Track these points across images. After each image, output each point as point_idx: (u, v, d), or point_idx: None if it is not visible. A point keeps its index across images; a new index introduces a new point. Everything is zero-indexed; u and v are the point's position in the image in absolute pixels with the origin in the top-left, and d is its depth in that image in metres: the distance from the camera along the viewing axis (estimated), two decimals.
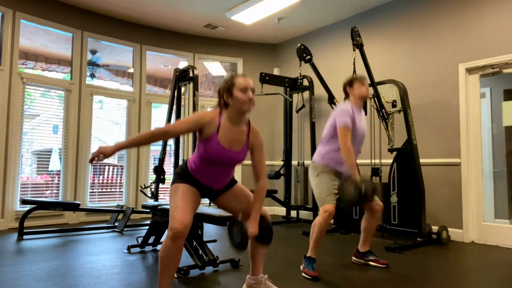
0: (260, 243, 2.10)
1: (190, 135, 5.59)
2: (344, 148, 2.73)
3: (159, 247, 3.65)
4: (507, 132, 4.60)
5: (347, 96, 3.01)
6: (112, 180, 5.90)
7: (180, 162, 5.20)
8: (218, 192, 2.21)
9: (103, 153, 1.83)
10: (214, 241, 3.69)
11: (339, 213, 4.63)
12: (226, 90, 2.04)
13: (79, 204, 4.52)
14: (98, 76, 6.20)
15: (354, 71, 4.07)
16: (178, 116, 5.12)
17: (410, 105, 4.22)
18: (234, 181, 2.25)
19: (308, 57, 4.56)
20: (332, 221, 4.78)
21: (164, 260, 1.96)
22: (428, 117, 4.48)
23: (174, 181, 2.11)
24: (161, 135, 1.99)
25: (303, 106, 5.21)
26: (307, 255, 2.81)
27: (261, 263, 2.24)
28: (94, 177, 5.66)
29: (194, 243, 3.00)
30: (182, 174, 2.11)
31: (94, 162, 1.85)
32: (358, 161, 3.03)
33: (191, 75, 4.86)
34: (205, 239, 3.17)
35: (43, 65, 5.69)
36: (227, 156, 2.03)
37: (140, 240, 3.62)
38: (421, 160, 4.25)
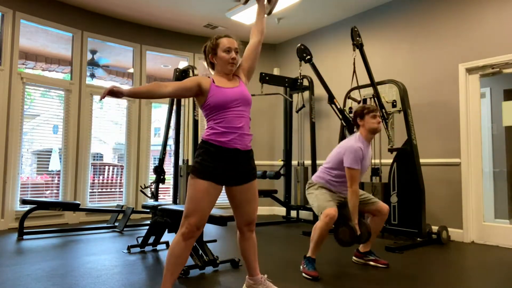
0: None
1: (190, 136, 5.59)
2: (351, 191, 2.78)
3: (159, 247, 3.65)
4: (507, 132, 4.59)
5: (357, 127, 2.99)
6: (112, 180, 5.90)
7: (180, 163, 5.21)
8: (239, 172, 2.07)
9: (120, 92, 1.83)
10: (214, 241, 3.69)
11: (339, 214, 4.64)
12: (211, 50, 2.12)
13: (79, 204, 4.52)
14: (98, 76, 6.20)
15: (354, 71, 4.07)
16: (178, 116, 5.12)
17: (410, 105, 4.22)
18: (254, 174, 2.15)
19: (308, 57, 4.54)
20: None
21: (172, 257, 1.96)
22: (428, 117, 4.48)
23: (194, 173, 1.99)
24: (162, 86, 1.96)
25: (303, 106, 5.21)
26: (307, 255, 2.81)
27: (255, 264, 2.23)
28: (94, 177, 5.66)
29: (194, 243, 2.99)
30: (203, 161, 1.99)
31: (105, 96, 1.83)
32: None
33: (191, 75, 4.86)
34: (205, 239, 3.17)
35: (43, 65, 5.69)
36: (231, 92, 2.04)
37: (140, 240, 3.62)
38: (421, 160, 4.25)
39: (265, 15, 2.32)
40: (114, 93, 1.83)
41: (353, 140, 2.89)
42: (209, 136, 2.02)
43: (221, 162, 2.00)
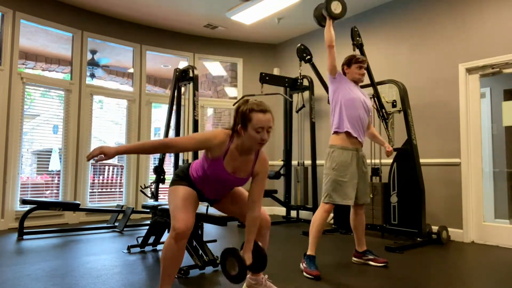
0: (254, 272, 2.12)
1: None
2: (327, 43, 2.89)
3: (159, 247, 3.65)
4: (507, 132, 4.59)
5: (344, 74, 3.07)
6: (112, 180, 5.90)
7: (180, 163, 5.20)
8: (215, 200, 2.25)
9: (105, 154, 1.73)
10: (214, 241, 3.69)
11: (340, 213, 4.64)
12: (241, 121, 1.92)
13: (79, 204, 4.52)
14: (98, 76, 6.20)
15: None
16: (178, 116, 5.12)
17: (410, 105, 4.22)
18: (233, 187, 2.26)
19: (308, 57, 4.56)
20: (332, 221, 4.79)
21: (166, 260, 1.96)
22: (428, 117, 4.48)
23: (173, 183, 2.11)
24: (166, 148, 1.92)
25: (303, 106, 5.21)
26: (307, 253, 2.82)
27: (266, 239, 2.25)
28: (94, 177, 5.66)
29: (194, 243, 3.00)
30: (183, 177, 2.11)
31: (92, 161, 1.84)
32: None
33: (191, 75, 4.85)
34: (205, 239, 3.17)
35: (43, 65, 5.69)
36: (230, 180, 2.04)
37: (140, 240, 3.62)
38: (421, 160, 4.25)
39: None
40: (104, 154, 1.74)
41: None
42: (193, 173, 2.10)
43: (197, 191, 2.12)
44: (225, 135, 1.96)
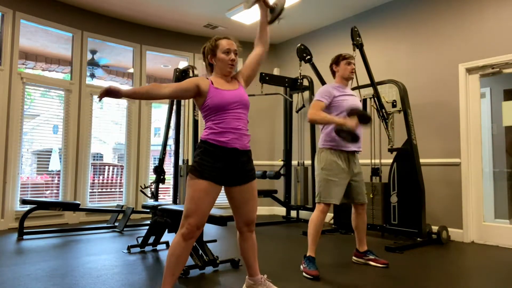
0: (271, 18, 2.30)
1: (190, 136, 5.59)
2: (310, 117, 2.82)
3: (159, 247, 3.65)
4: (507, 132, 4.59)
5: (333, 74, 3.09)
6: (112, 180, 5.90)
7: (180, 163, 5.20)
8: (238, 172, 2.07)
9: (118, 91, 1.84)
10: (214, 241, 3.69)
11: (339, 213, 4.64)
12: (210, 51, 2.13)
13: (79, 204, 4.52)
14: (98, 76, 6.20)
15: (354, 71, 4.06)
16: (178, 116, 5.12)
17: (410, 105, 4.22)
18: (253, 174, 2.15)
19: (308, 57, 4.56)
20: (332, 221, 4.79)
21: (172, 258, 1.95)
22: (428, 117, 4.48)
23: (193, 173, 1.99)
24: (161, 87, 1.97)
25: (303, 106, 5.21)
26: (307, 254, 2.82)
27: (255, 264, 2.22)
28: (94, 177, 5.66)
29: (194, 243, 2.99)
30: (202, 160, 1.99)
31: (103, 97, 1.85)
32: (360, 161, 3.05)
33: (191, 75, 4.85)
34: (205, 239, 3.17)
35: (43, 65, 5.69)
36: (230, 95, 2.06)
37: (140, 240, 3.62)
38: (421, 160, 4.25)
39: (268, 25, 2.32)
40: (112, 93, 1.85)
41: (322, 87, 3.01)
42: (208, 135, 2.03)
43: (220, 162, 2.01)
44: (202, 76, 2.14)
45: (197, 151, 2.06)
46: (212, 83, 2.07)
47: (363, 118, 2.70)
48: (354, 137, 2.64)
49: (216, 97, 2.03)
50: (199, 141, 2.11)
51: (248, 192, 2.13)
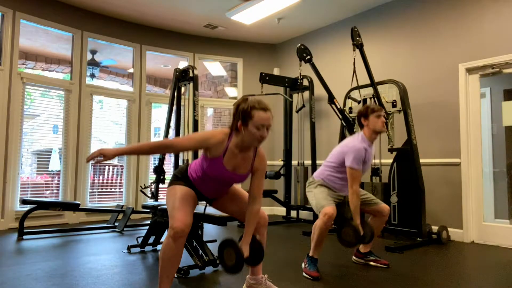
0: (251, 265, 2.11)
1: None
2: (352, 191, 2.76)
3: (159, 247, 3.65)
4: (507, 132, 4.59)
5: (361, 127, 2.95)
6: (112, 180, 5.90)
7: (180, 163, 5.20)
8: (214, 199, 2.27)
9: (104, 155, 1.78)
10: (214, 241, 3.69)
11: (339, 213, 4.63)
12: (241, 117, 1.94)
13: (79, 204, 4.52)
14: (98, 76, 6.20)
15: (354, 71, 4.07)
16: (178, 116, 5.12)
17: (410, 105, 4.22)
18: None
19: (308, 57, 4.54)
20: (332, 221, 4.78)
21: (164, 260, 1.96)
22: (428, 117, 4.48)
23: (172, 183, 2.13)
24: (165, 148, 1.97)
25: (303, 106, 5.21)
26: (310, 254, 2.80)
27: (260, 263, 2.24)
28: (94, 177, 5.66)
29: (194, 243, 3.00)
30: (181, 178, 2.13)
31: (92, 162, 1.83)
32: None
33: (191, 75, 4.86)
34: (205, 239, 3.17)
35: (43, 65, 5.69)
36: (229, 177, 2.05)
37: (140, 240, 3.62)
38: (421, 160, 4.25)
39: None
40: (104, 155, 1.79)
41: (357, 140, 2.86)
42: (191, 173, 2.12)
43: (195, 190, 2.14)
44: (224, 134, 1.98)
45: (177, 173, 2.17)
46: (225, 154, 1.97)
47: (365, 238, 2.81)
48: (348, 243, 2.74)
49: (216, 169, 2.01)
50: (184, 161, 2.21)
51: (230, 196, 2.25)
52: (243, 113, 1.93)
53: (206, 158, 2.01)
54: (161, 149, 1.95)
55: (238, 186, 2.30)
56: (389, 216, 4.12)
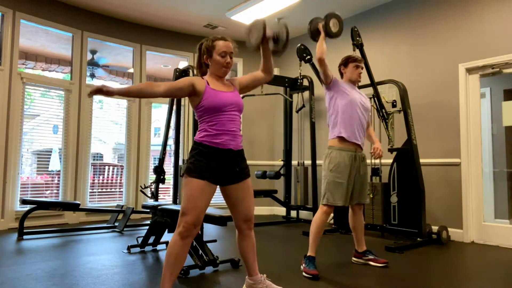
0: (276, 48, 2.13)
1: (190, 136, 5.59)
2: (318, 56, 2.87)
3: (159, 247, 3.65)
4: (507, 132, 4.59)
5: (341, 75, 3.10)
6: (112, 180, 5.90)
7: (180, 163, 5.20)
8: (232, 172, 2.09)
9: (108, 92, 1.85)
10: (214, 241, 3.69)
11: (339, 213, 4.64)
12: (206, 51, 2.14)
13: (79, 204, 4.52)
14: (98, 76, 6.20)
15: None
16: (178, 116, 5.12)
17: (410, 105, 4.22)
18: (247, 172, 2.17)
19: (308, 57, 4.54)
20: (332, 221, 4.79)
21: (170, 257, 1.96)
22: (428, 117, 4.48)
23: (188, 173, 2.02)
24: (153, 86, 1.96)
25: (303, 106, 5.21)
26: (307, 254, 2.82)
27: (255, 263, 2.23)
28: (94, 177, 5.66)
29: (194, 243, 3.00)
30: (197, 161, 2.01)
31: (94, 94, 1.85)
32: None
33: (191, 75, 4.85)
34: (205, 239, 3.17)
35: (43, 65, 5.69)
36: (226, 97, 2.07)
37: (140, 240, 3.62)
38: (421, 160, 4.25)
39: (273, 56, 2.25)
40: (103, 92, 1.85)
41: None
42: (203, 138, 2.05)
43: (215, 162, 2.04)
44: (197, 76, 2.14)
45: (191, 152, 2.09)
46: (208, 84, 2.08)
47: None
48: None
49: (212, 98, 2.04)
50: (193, 142, 2.14)
51: (243, 190, 2.15)
52: (206, 47, 2.14)
53: (199, 102, 2.04)
54: (151, 87, 1.95)
55: (251, 187, 2.20)
56: (389, 216, 4.14)
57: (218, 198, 2.46)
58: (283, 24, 2.15)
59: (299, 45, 4.42)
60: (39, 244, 3.77)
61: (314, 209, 5.09)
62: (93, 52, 5.97)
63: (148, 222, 4.81)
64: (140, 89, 1.94)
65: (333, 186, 2.85)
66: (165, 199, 6.02)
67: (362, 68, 3.07)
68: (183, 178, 2.07)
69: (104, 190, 5.74)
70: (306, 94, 5.56)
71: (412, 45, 4.73)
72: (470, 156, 4.14)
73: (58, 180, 5.24)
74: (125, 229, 4.67)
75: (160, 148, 4.97)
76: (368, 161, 4.58)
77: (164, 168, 4.90)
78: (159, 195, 4.99)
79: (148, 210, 4.30)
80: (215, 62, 2.11)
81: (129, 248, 3.53)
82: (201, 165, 2.01)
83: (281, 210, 6.13)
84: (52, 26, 5.14)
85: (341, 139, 2.91)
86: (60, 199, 5.18)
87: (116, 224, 4.79)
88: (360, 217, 3.05)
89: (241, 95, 2.22)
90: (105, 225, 4.85)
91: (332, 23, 2.85)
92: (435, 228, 4.05)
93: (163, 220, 3.28)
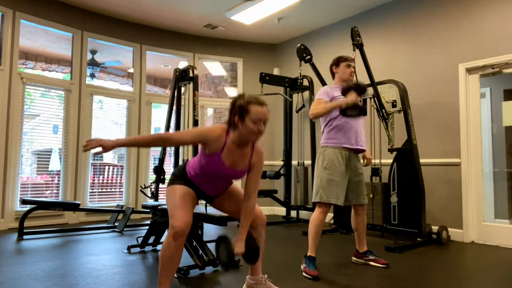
0: (246, 262, 2.07)
1: None
2: (312, 112, 2.83)
3: (159, 247, 3.65)
4: (507, 132, 4.60)
5: (333, 76, 3.10)
6: (112, 180, 5.90)
7: (180, 162, 5.20)
8: (213, 197, 2.26)
9: (103, 146, 1.78)
10: (214, 241, 3.68)
11: (340, 213, 4.64)
12: (238, 113, 1.95)
13: (79, 204, 4.52)
14: (98, 76, 6.20)
15: (354, 71, 4.06)
16: (178, 116, 5.12)
17: (410, 105, 4.22)
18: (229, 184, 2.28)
19: (308, 57, 4.56)
20: (332, 221, 4.79)
21: (165, 259, 1.97)
22: (428, 117, 4.48)
23: (171, 182, 2.13)
24: (162, 141, 2.02)
25: (303, 106, 5.21)
26: (307, 254, 2.82)
27: (259, 263, 2.24)
28: (94, 177, 5.66)
29: (194, 243, 3.00)
30: (179, 177, 2.13)
31: (93, 151, 1.79)
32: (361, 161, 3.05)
33: (191, 75, 4.85)
34: (205, 239, 3.17)
35: (43, 65, 5.69)
36: (228, 173, 2.06)
37: (140, 240, 3.62)
38: (421, 160, 4.24)
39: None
40: (103, 147, 1.78)
41: (326, 86, 3.03)
42: (190, 171, 2.11)
43: (194, 189, 2.13)
44: (222, 130, 2.00)
45: (176, 172, 2.17)
46: (223, 149, 1.98)
47: (359, 88, 2.73)
48: (360, 110, 2.70)
49: (215, 165, 2.01)
50: (184, 161, 2.20)
51: (230, 195, 2.24)
52: (240, 108, 1.94)
53: (205, 155, 2.01)
54: (160, 141, 1.99)
55: (237, 187, 2.30)
56: (389, 216, 4.14)
57: None
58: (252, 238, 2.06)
59: (299, 45, 4.42)
60: (39, 244, 3.77)
61: (314, 209, 5.08)
62: (93, 52, 5.97)
63: (148, 222, 4.81)
64: (148, 143, 1.96)
65: (325, 183, 2.84)
66: (165, 199, 6.01)
67: (354, 68, 3.06)
68: (167, 189, 2.14)
69: (104, 190, 5.74)
70: (306, 94, 5.56)
71: (412, 45, 4.73)
72: (470, 156, 4.14)
73: (58, 180, 5.23)
74: (125, 229, 4.67)
75: (160, 148, 4.97)
76: None
77: (164, 168, 4.89)
78: (159, 195, 4.99)
79: (148, 210, 4.30)
80: (246, 128, 1.93)
81: (129, 248, 3.53)
82: (185, 180, 2.12)
83: (281, 210, 6.13)
84: (52, 26, 5.14)
85: (335, 143, 2.92)
86: (60, 199, 5.18)
87: (116, 224, 4.79)
88: (362, 218, 3.04)
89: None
90: (105, 225, 4.85)
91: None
92: (435, 228, 4.05)
93: (163, 220, 3.28)
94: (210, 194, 2.20)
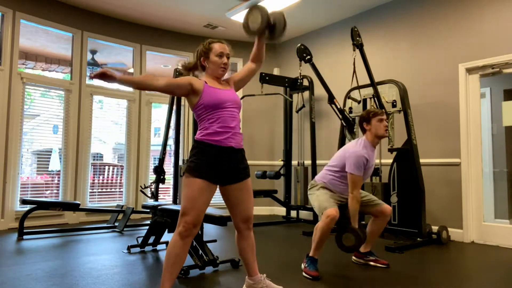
0: (273, 37, 2.21)
1: (190, 136, 5.59)
2: (352, 196, 2.78)
3: (159, 247, 3.65)
4: (507, 132, 4.60)
5: (363, 131, 2.94)
6: (112, 180, 5.90)
7: (180, 162, 5.20)
8: (233, 171, 2.09)
9: (112, 76, 1.84)
10: (214, 241, 3.69)
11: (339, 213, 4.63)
12: (203, 53, 2.18)
13: (79, 204, 4.52)
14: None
15: (354, 71, 4.07)
16: (178, 116, 5.12)
17: (410, 105, 4.22)
18: (247, 172, 2.18)
19: (308, 57, 4.55)
20: None
21: (170, 257, 1.97)
22: (428, 117, 4.48)
23: (189, 172, 2.02)
24: (150, 81, 1.96)
25: (303, 106, 5.21)
26: (310, 254, 2.80)
27: (254, 263, 2.24)
28: (94, 177, 5.66)
29: (194, 243, 3.00)
30: (198, 160, 2.01)
31: (96, 78, 1.83)
32: None
33: (191, 75, 4.85)
34: (205, 239, 3.17)
35: (43, 65, 5.69)
36: (225, 94, 2.10)
37: (140, 240, 3.62)
38: (421, 160, 4.25)
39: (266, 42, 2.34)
40: (106, 76, 1.85)
41: (359, 146, 2.86)
42: (204, 136, 2.05)
43: (215, 161, 2.04)
44: (195, 77, 2.19)
45: (192, 151, 2.09)
46: (206, 83, 2.11)
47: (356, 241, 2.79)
48: (359, 241, 2.76)
49: (211, 95, 2.07)
50: (193, 141, 2.14)
51: (243, 190, 2.16)
52: (204, 49, 2.18)
53: (198, 101, 2.06)
54: (148, 81, 1.96)
55: (251, 188, 2.21)
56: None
57: (218, 198, 2.47)
58: (280, 12, 2.20)
59: (299, 45, 4.42)
60: (39, 244, 3.77)
61: (314, 209, 5.08)
62: (93, 52, 5.97)
63: (148, 222, 4.81)
64: (141, 80, 1.99)
65: (325, 198, 2.85)
66: (165, 199, 6.02)
67: (387, 121, 2.93)
68: (183, 177, 2.07)
69: (104, 190, 5.74)
70: (306, 94, 5.56)
71: (412, 45, 4.73)
72: (470, 156, 4.14)
73: (58, 180, 5.24)
74: (125, 229, 4.67)
75: (160, 148, 4.97)
76: None
77: (164, 168, 4.90)
78: (159, 195, 4.99)
79: (148, 210, 4.30)
80: (212, 63, 2.16)
81: (129, 248, 3.53)
82: (202, 164, 2.02)
83: (281, 210, 6.13)
84: (52, 26, 5.14)
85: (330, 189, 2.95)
86: (60, 199, 5.18)
87: (116, 224, 4.79)
88: (382, 222, 2.98)
89: (241, 96, 2.24)
90: (105, 225, 4.85)
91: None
92: (435, 228, 4.05)
93: (163, 220, 3.28)
94: (233, 144, 2.06)
